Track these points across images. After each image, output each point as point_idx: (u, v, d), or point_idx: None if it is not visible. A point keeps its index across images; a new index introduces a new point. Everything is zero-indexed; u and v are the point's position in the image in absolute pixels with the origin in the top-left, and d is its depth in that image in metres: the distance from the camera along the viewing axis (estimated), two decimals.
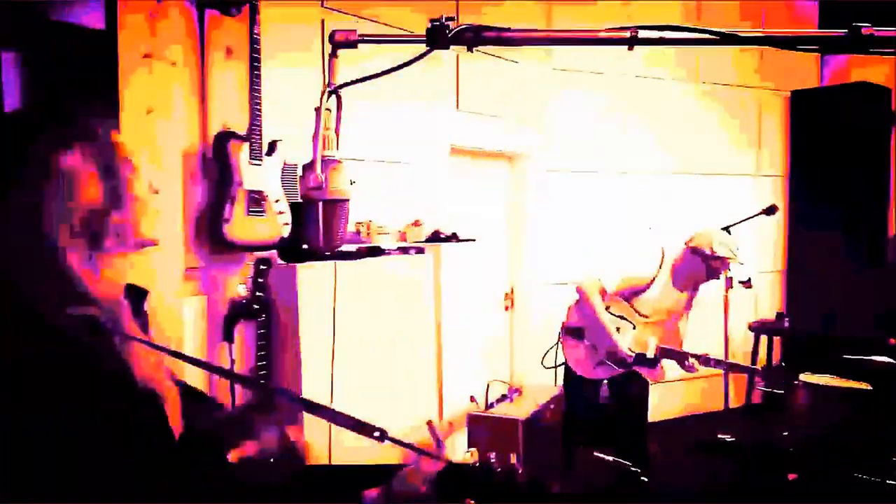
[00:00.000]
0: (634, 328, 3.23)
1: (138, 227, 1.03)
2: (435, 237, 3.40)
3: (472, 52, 1.12)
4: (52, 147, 0.97)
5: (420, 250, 3.19)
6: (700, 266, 3.18)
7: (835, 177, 5.13)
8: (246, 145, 2.46)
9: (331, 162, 1.07)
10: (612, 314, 3.23)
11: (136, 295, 1.16)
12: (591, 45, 1.12)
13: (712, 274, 3.20)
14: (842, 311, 4.59)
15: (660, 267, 3.20)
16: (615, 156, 4.95)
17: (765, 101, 5.45)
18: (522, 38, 1.12)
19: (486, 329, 4.39)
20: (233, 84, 2.57)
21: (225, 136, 2.43)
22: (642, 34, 1.13)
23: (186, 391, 1.22)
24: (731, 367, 3.32)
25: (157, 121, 2.19)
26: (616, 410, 3.46)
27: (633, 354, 3.15)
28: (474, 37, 1.09)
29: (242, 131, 2.49)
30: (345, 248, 2.85)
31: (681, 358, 3.13)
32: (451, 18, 1.09)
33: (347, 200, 1.09)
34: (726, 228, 4.31)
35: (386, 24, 3.31)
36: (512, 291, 4.67)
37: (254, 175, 2.46)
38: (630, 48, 1.16)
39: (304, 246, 2.46)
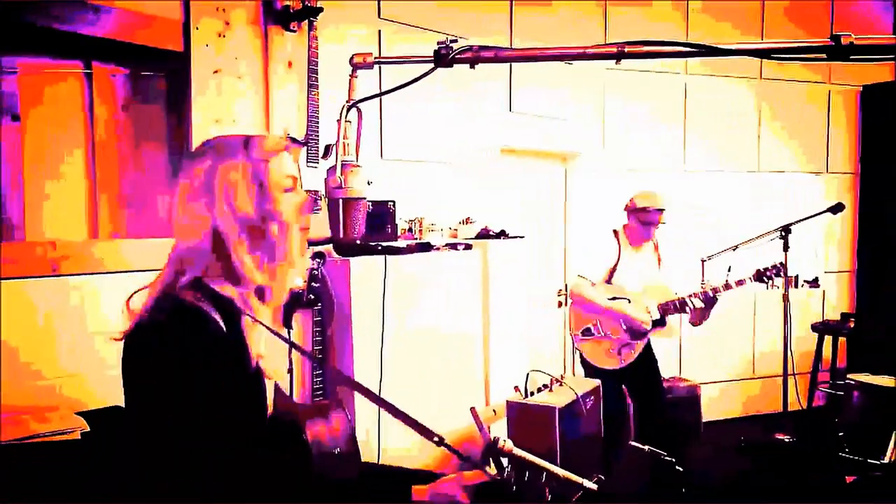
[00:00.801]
0: (630, 302, 3.45)
1: (283, 248, 1.22)
2: (483, 234, 3.55)
3: (473, 68, 1.28)
4: (217, 159, 1.19)
5: (468, 247, 3.35)
6: (638, 223, 3.52)
7: None
8: (304, 149, 2.71)
9: (349, 166, 1.25)
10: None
11: (292, 297, 1.38)
12: (580, 61, 1.26)
13: (651, 224, 3.48)
14: None
15: (618, 241, 3.57)
16: (673, 154, 4.96)
17: (834, 96, 5.30)
18: (517, 57, 1.27)
19: (538, 325, 4.51)
20: (292, 94, 2.82)
21: None
22: (629, 49, 1.27)
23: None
24: (725, 287, 3.46)
25: (224, 129, 2.45)
26: (638, 406, 3.54)
27: (647, 321, 3.43)
28: (474, 57, 1.26)
29: (301, 137, 2.73)
30: (396, 244, 3.06)
31: (682, 304, 3.44)
32: (455, 41, 1.26)
33: (364, 199, 1.27)
34: (788, 226, 4.29)
35: (437, 32, 3.50)
36: (566, 288, 4.77)
37: (310, 176, 2.70)
38: (617, 62, 1.29)
39: (317, 211, 2.69)
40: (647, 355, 3.60)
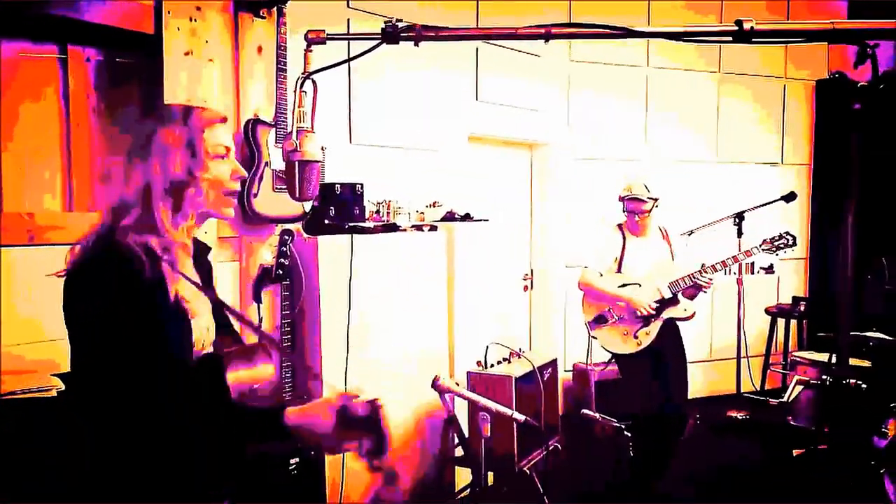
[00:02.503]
0: (641, 286, 3.56)
1: (207, 202, 1.38)
2: (449, 217, 3.70)
3: (417, 46, 1.42)
4: (159, 124, 1.35)
5: (433, 228, 3.49)
6: (626, 213, 3.61)
7: (858, 165, 5.17)
8: (273, 130, 2.83)
9: (304, 132, 1.39)
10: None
11: (201, 249, 1.54)
12: (511, 40, 1.40)
13: (633, 213, 3.58)
14: (858, 296, 4.66)
15: (621, 231, 3.67)
16: (636, 144, 5.14)
17: (790, 90, 5.53)
18: (456, 36, 1.42)
19: (505, 306, 4.67)
20: (262, 78, 2.94)
21: (254, 123, 2.80)
22: (555, 31, 1.42)
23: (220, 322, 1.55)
24: (734, 259, 3.64)
25: None
26: (663, 382, 3.70)
27: (656, 304, 3.52)
28: (417, 35, 1.39)
29: (270, 118, 2.85)
30: (364, 224, 3.19)
31: (692, 281, 3.51)
32: (401, 20, 1.40)
33: (318, 162, 1.40)
34: (742, 213, 4.49)
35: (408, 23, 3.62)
36: (532, 273, 4.94)
37: (280, 156, 2.82)
38: (546, 42, 1.44)
39: (282, 188, 2.81)
40: (674, 338, 3.68)
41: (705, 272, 3.52)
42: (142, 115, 1.40)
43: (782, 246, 3.61)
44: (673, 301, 3.57)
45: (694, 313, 3.70)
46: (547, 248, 4.91)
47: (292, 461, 2.74)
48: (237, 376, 1.55)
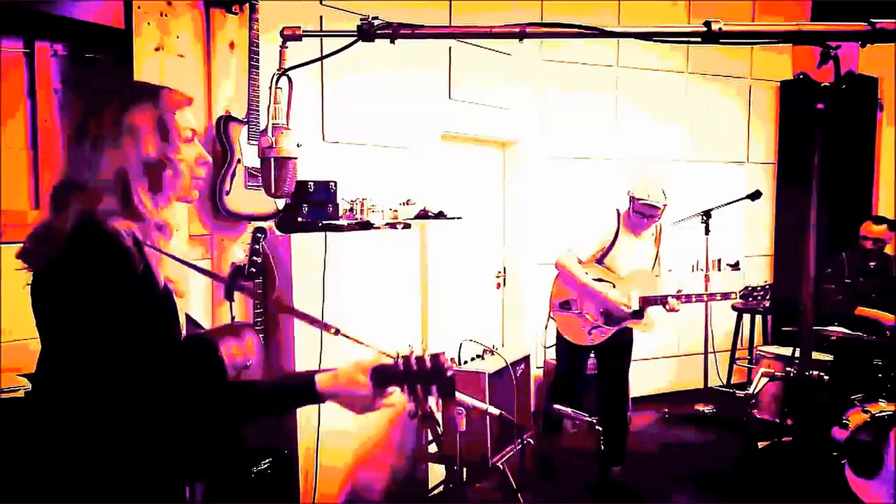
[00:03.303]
0: (614, 286, 3.54)
1: (182, 187, 1.36)
2: (422, 215, 3.71)
3: (393, 43, 1.43)
4: (129, 104, 1.31)
5: (407, 226, 3.50)
6: (634, 213, 3.52)
7: (821, 164, 5.32)
8: (245, 127, 2.80)
9: (280, 128, 1.38)
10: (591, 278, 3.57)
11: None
12: (487, 38, 1.42)
13: (644, 216, 3.49)
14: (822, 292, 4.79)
15: (617, 223, 3.58)
16: (606, 143, 5.21)
17: (756, 90, 5.65)
18: (432, 33, 1.43)
19: (478, 303, 4.70)
20: (235, 74, 2.91)
21: (226, 119, 2.78)
22: (530, 29, 1.44)
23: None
24: (708, 296, 3.63)
25: None
26: (602, 381, 3.77)
27: (627, 309, 3.46)
28: (393, 32, 1.40)
29: (242, 115, 2.83)
30: (337, 221, 3.18)
31: (662, 301, 3.47)
32: (376, 17, 1.41)
33: (294, 158, 1.40)
34: (708, 211, 4.58)
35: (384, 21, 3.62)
36: (504, 270, 4.97)
37: (252, 154, 2.80)
38: (520, 41, 1.46)
39: (254, 185, 2.79)
40: (624, 339, 3.65)
41: (678, 299, 3.49)
42: (110, 96, 1.35)
43: (758, 297, 3.60)
44: (638, 314, 3.53)
45: (652, 331, 3.67)
46: (519, 245, 4.95)
47: (265, 461, 2.72)
48: (229, 352, 1.56)
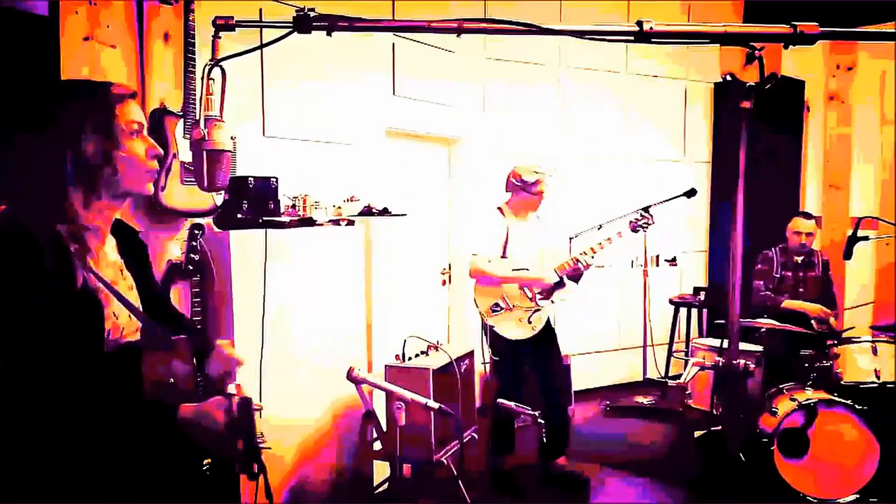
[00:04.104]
0: (529, 271, 3.66)
1: (133, 182, 1.33)
2: (367, 212, 3.68)
3: (330, 35, 1.42)
4: (67, 102, 1.26)
5: (350, 223, 3.47)
6: (528, 196, 3.69)
7: (752, 162, 5.54)
8: (181, 121, 2.72)
9: (213, 121, 1.35)
10: None
11: (126, 232, 1.47)
12: (425, 33, 1.42)
13: (536, 196, 3.70)
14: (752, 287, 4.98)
15: (503, 217, 3.73)
16: (549, 141, 5.29)
17: (691, 91, 5.83)
18: (370, 27, 1.42)
19: (423, 300, 4.70)
20: (169, 66, 2.83)
21: (161, 113, 2.69)
22: (467, 24, 1.45)
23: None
24: (601, 247, 3.72)
25: None
26: (542, 375, 3.82)
27: (553, 280, 3.61)
28: (330, 24, 1.39)
29: (178, 109, 2.75)
30: (278, 218, 3.13)
31: (576, 264, 3.64)
32: (313, 9, 1.39)
33: (228, 151, 1.37)
34: (647, 208, 4.69)
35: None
36: (450, 267, 4.99)
37: (188, 148, 2.72)
38: (458, 36, 1.47)
39: (191, 180, 2.71)
40: (548, 327, 3.78)
41: (586, 254, 3.66)
42: (41, 94, 1.30)
43: (644, 226, 3.80)
44: (560, 284, 3.69)
45: (577, 296, 3.85)
46: (464, 243, 4.97)
47: (206, 461, 2.65)
48: (154, 369, 1.50)
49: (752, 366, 1.60)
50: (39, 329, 1.18)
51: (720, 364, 1.51)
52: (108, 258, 1.38)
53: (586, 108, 5.38)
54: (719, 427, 4.01)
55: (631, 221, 3.80)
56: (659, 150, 5.75)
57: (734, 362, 1.52)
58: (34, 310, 1.18)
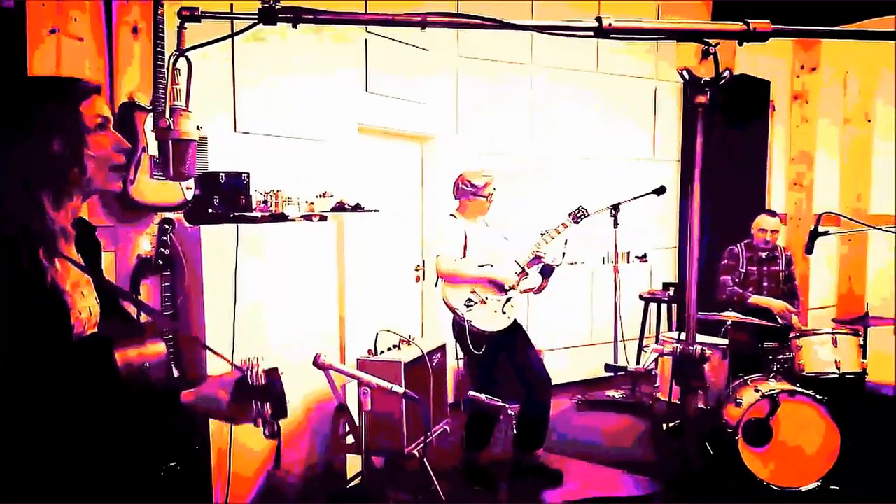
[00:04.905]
0: (493, 266, 3.72)
1: (94, 180, 1.33)
2: (339, 208, 3.70)
3: (295, 27, 1.44)
4: (31, 100, 1.27)
5: (323, 218, 3.48)
6: (479, 199, 3.79)
7: (720, 160, 5.66)
8: (150, 115, 2.72)
9: (178, 110, 1.37)
10: None
11: (86, 229, 1.47)
12: (389, 27, 1.45)
13: (486, 199, 3.80)
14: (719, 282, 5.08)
15: (458, 220, 3.81)
16: (521, 140, 5.35)
17: (661, 90, 5.93)
18: (335, 19, 1.45)
19: (397, 296, 4.72)
20: (138, 60, 2.81)
21: (130, 107, 2.68)
22: (431, 19, 1.49)
23: (107, 306, 1.50)
24: (557, 233, 3.81)
25: None
26: (521, 367, 3.85)
27: (517, 274, 3.70)
28: (295, 16, 1.41)
29: (147, 103, 2.74)
30: (250, 214, 3.13)
31: (535, 253, 3.73)
32: (278, 1, 1.41)
33: (193, 141, 1.39)
34: (617, 205, 4.77)
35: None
36: (423, 264, 5.02)
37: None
38: (422, 29, 1.50)
39: (160, 174, 2.70)
40: (516, 322, 3.84)
41: (543, 241, 3.74)
42: (5, 93, 1.30)
43: (580, 217, 3.86)
44: (523, 274, 3.75)
45: (549, 292, 3.94)
46: (438, 239, 4.99)
47: (174, 458, 2.65)
48: (126, 356, 1.51)
49: (709, 352, 1.65)
50: (17, 330, 1.19)
51: (677, 350, 1.56)
52: (73, 257, 1.39)
53: (558, 107, 5.45)
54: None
55: (571, 213, 3.87)
56: (630, 148, 5.84)
57: (691, 347, 1.57)
58: (14, 310, 1.19)
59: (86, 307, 1.40)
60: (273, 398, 1.33)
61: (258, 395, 1.32)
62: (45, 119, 1.27)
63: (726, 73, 1.66)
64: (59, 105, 1.30)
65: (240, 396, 1.33)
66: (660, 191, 4.93)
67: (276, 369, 1.34)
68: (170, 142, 1.35)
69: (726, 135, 5.58)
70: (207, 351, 2.73)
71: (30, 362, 1.21)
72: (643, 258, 5.90)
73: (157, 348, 1.62)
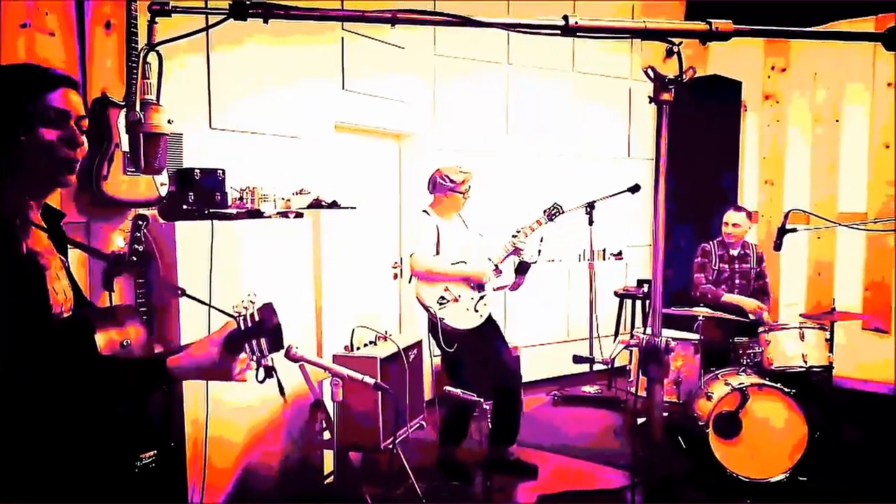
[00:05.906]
0: (467, 263, 3.76)
1: (35, 170, 1.35)
2: (315, 204, 3.70)
3: (266, 23, 1.45)
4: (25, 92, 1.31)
5: (299, 215, 3.49)
6: (455, 195, 3.80)
7: (693, 159, 5.75)
8: (123, 110, 2.71)
9: (149, 104, 1.38)
10: None
11: (54, 215, 1.50)
12: (358, 23, 1.47)
13: (463, 195, 3.83)
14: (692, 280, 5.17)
15: (431, 218, 3.81)
16: (497, 138, 5.39)
17: (635, 90, 6.01)
18: (306, 15, 1.47)
19: (375, 293, 4.74)
20: (111, 55, 2.80)
21: (103, 101, 2.67)
22: (401, 15, 1.51)
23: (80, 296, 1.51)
24: (531, 230, 3.86)
25: None
26: (493, 363, 3.89)
27: (492, 270, 3.75)
28: (266, 12, 1.43)
29: (120, 98, 2.73)
30: (225, 210, 3.13)
31: (512, 248, 3.78)
32: None
33: (164, 135, 1.40)
34: (592, 203, 4.82)
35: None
36: (401, 261, 5.04)
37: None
38: (392, 26, 1.53)
39: (133, 170, 2.72)
40: (491, 318, 3.88)
41: (517, 237, 3.78)
42: None
43: (555, 214, 3.91)
44: (497, 272, 3.79)
45: (526, 290, 3.98)
46: (416, 237, 5.01)
47: (149, 454, 2.64)
48: (107, 336, 1.52)
49: (674, 343, 1.70)
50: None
51: (642, 343, 1.60)
52: (41, 240, 1.40)
53: (534, 106, 5.50)
54: (665, 413, 4.17)
55: (545, 210, 3.91)
56: (605, 146, 5.91)
57: (655, 339, 1.62)
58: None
59: (61, 289, 1.41)
60: (268, 331, 1.30)
61: (252, 334, 1.30)
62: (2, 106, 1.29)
63: (690, 71, 1.70)
64: (14, 91, 1.31)
65: (232, 344, 1.31)
66: (634, 189, 5.00)
67: (270, 304, 1.32)
68: (140, 135, 1.36)
69: (700, 134, 5.67)
70: (181, 326, 2.76)
71: (12, 334, 1.22)
72: (618, 255, 5.98)
73: (136, 328, 1.64)
